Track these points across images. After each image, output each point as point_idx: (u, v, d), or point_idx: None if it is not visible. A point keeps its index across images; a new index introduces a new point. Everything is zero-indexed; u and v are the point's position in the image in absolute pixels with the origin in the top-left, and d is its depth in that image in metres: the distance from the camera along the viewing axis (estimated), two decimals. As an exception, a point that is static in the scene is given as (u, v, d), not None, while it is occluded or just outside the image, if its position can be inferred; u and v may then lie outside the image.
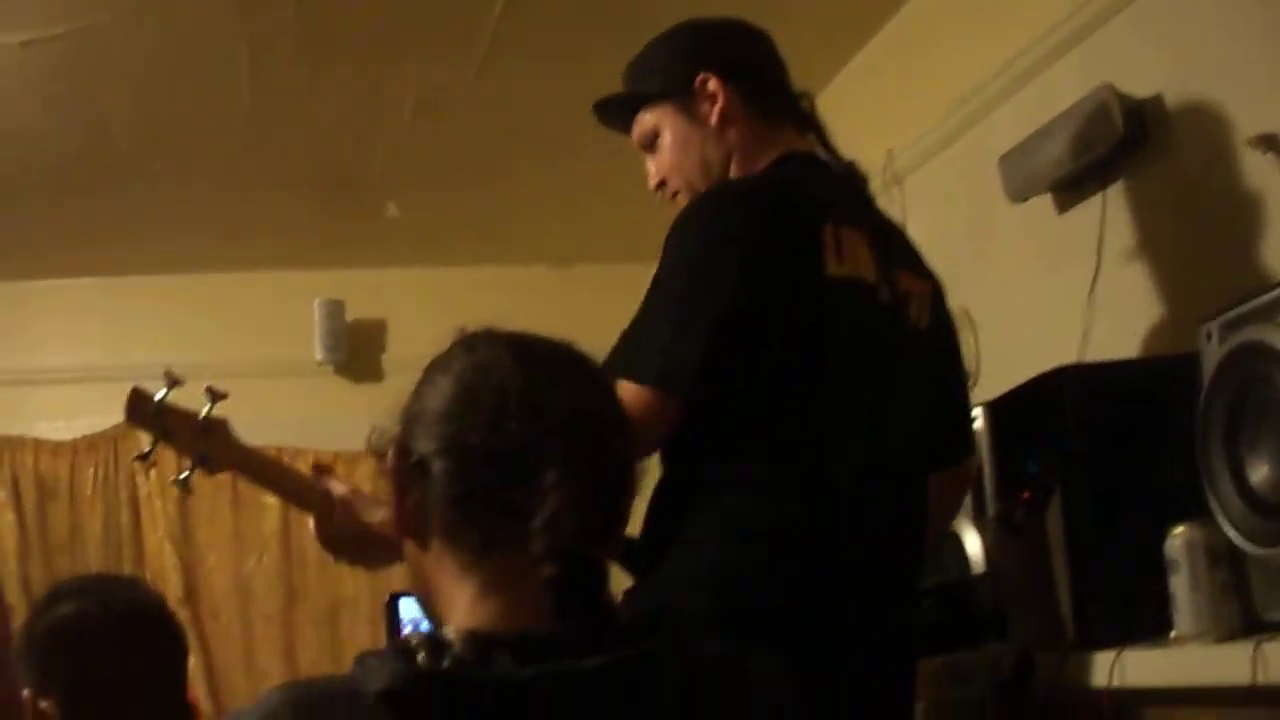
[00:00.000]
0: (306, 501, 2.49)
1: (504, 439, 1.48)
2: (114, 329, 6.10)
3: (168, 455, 2.58)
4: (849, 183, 2.41)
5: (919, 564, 2.37)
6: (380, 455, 1.63)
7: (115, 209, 5.43)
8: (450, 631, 1.42)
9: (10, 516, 6.01)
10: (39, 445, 6.10)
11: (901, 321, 2.32)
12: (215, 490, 5.86)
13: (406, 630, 2.36)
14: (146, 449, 2.57)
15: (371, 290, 6.09)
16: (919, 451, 2.34)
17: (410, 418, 1.56)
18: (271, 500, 5.83)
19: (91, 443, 6.06)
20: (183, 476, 2.59)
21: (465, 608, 1.49)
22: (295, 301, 5.96)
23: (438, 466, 1.50)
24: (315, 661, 5.72)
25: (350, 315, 6.04)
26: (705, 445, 2.19)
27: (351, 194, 5.40)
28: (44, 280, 6.14)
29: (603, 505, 1.51)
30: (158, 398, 2.53)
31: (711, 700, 1.49)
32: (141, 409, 2.54)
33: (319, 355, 5.94)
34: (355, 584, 5.93)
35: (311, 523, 2.47)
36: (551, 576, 1.41)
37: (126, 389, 5.82)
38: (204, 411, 2.54)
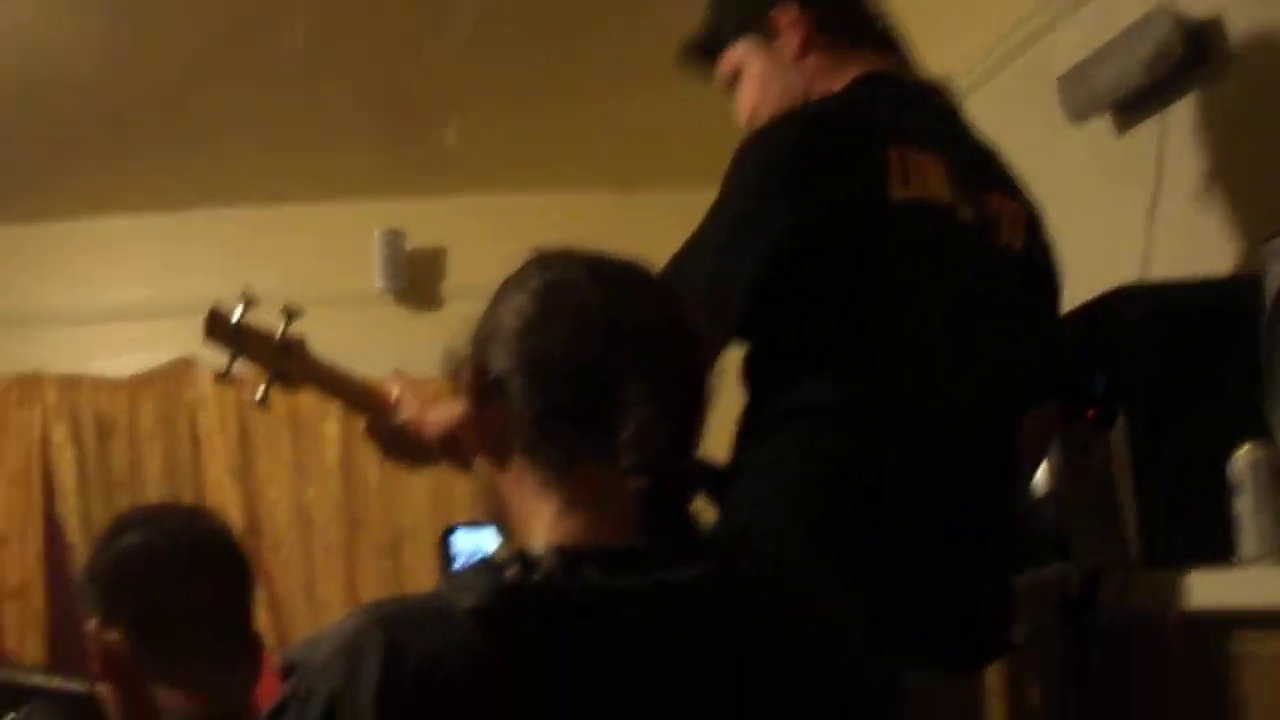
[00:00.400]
0: (384, 416, 2.54)
1: (586, 354, 1.50)
2: (172, 265, 6.11)
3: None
4: (926, 103, 2.39)
5: (1009, 506, 2.35)
6: (454, 375, 1.65)
7: (171, 144, 5.48)
8: (537, 547, 1.44)
9: (69, 454, 6.04)
10: (97, 383, 6.12)
11: (989, 243, 2.30)
12: (275, 423, 6.01)
13: (461, 565, 2.38)
14: (223, 369, 2.70)
15: (431, 219, 6.10)
16: (1011, 383, 2.33)
17: (485, 337, 1.59)
18: (332, 431, 6.02)
19: (150, 379, 6.10)
20: (260, 395, 2.68)
21: (548, 524, 1.50)
22: (355, 231, 6.00)
23: (516, 383, 1.52)
24: (377, 591, 5.68)
25: (410, 244, 6.07)
26: (782, 373, 2.20)
27: (411, 122, 5.44)
28: (102, 218, 6.16)
29: (684, 420, 1.54)
30: (235, 316, 2.63)
31: (782, 618, 1.49)
32: (220, 328, 2.64)
33: (379, 284, 5.97)
34: (416, 513, 5.96)
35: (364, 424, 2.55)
36: (640, 490, 1.45)
37: (185, 325, 5.90)
38: (280, 329, 2.64)
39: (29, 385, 6.09)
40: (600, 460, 1.47)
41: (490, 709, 1.34)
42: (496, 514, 1.61)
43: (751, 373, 2.24)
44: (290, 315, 2.64)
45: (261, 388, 2.67)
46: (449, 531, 2.62)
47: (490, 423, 1.56)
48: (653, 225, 2.35)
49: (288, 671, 1.43)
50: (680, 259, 2.18)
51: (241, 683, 2.14)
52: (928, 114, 2.36)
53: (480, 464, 1.61)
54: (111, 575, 2.15)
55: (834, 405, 2.15)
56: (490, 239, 5.47)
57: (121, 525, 2.23)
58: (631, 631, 1.38)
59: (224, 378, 2.73)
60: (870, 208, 2.18)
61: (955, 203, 2.25)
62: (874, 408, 2.15)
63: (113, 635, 2.10)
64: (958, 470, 2.19)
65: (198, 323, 5.76)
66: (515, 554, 1.42)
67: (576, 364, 1.50)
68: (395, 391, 2.50)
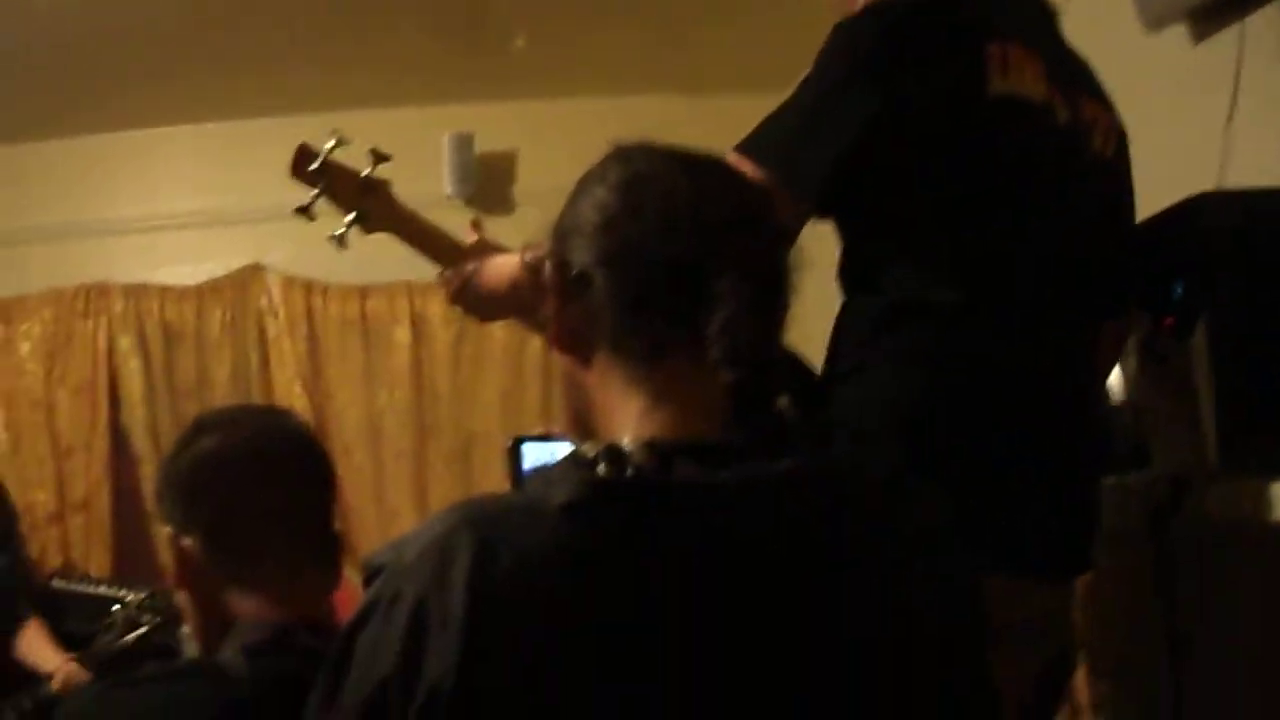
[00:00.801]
0: (457, 264, 2.57)
1: (673, 245, 1.49)
2: (238, 173, 6.08)
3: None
4: (1026, 2, 2.36)
5: (1095, 414, 2.35)
6: (534, 271, 1.65)
7: (237, 52, 5.50)
8: (627, 442, 1.43)
9: (136, 364, 6.09)
10: (164, 292, 6.15)
11: (1083, 147, 2.28)
12: (344, 328, 6.07)
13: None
14: (304, 203, 2.72)
15: (501, 123, 6.08)
16: (1097, 289, 2.30)
17: (565, 231, 1.58)
18: (402, 337, 6.04)
19: (217, 287, 6.13)
20: (339, 232, 2.71)
21: (635, 419, 1.50)
22: (424, 137, 5.86)
23: (600, 277, 1.52)
24: (447, 498, 5.63)
25: (479, 148, 6.05)
26: (878, 273, 2.18)
27: (480, 26, 5.40)
28: (167, 127, 6.18)
29: (770, 312, 1.53)
30: (322, 154, 2.68)
31: (873, 515, 1.49)
32: (306, 164, 2.68)
33: (449, 189, 5.94)
34: (487, 419, 5.98)
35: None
36: (731, 382, 1.45)
37: (252, 232, 5.94)
38: (366, 171, 2.68)
39: (94, 295, 6.13)
40: (688, 353, 1.47)
41: (583, 605, 1.33)
42: (581, 411, 1.60)
43: (847, 273, 2.23)
44: (378, 158, 2.68)
45: (341, 228, 2.71)
46: (519, 441, 2.62)
47: (573, 318, 1.56)
48: (722, 129, 2.32)
49: (374, 574, 1.43)
50: (764, 127, 2.16)
51: (320, 587, 2.11)
52: (1028, 12, 2.33)
53: (564, 361, 1.60)
54: (187, 480, 2.12)
55: (932, 305, 2.13)
56: (560, 143, 5.45)
57: (199, 428, 2.18)
58: (724, 526, 1.37)
59: (303, 212, 2.74)
60: (966, 99, 2.15)
61: (1052, 103, 2.22)
62: (972, 308, 2.12)
63: (189, 541, 2.08)
64: (1052, 375, 2.18)
65: (265, 230, 5.82)
66: (604, 449, 1.42)
67: (662, 255, 1.50)
68: (470, 241, 2.54)
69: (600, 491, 1.37)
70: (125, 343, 6.10)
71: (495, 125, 6.08)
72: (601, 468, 1.40)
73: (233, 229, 6.10)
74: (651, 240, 1.50)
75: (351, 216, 2.67)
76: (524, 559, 1.33)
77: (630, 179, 1.55)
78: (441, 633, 1.32)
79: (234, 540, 2.07)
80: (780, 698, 1.36)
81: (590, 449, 1.43)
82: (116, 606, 4.50)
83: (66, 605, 5.01)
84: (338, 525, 2.20)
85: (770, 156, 2.10)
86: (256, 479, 2.12)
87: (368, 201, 2.67)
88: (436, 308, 5.98)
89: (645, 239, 1.50)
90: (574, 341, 1.57)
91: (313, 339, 6.09)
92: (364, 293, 6.04)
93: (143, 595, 4.53)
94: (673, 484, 1.39)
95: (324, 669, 1.43)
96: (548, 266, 1.59)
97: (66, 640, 4.62)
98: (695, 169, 1.56)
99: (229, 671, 1.91)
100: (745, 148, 2.12)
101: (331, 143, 2.66)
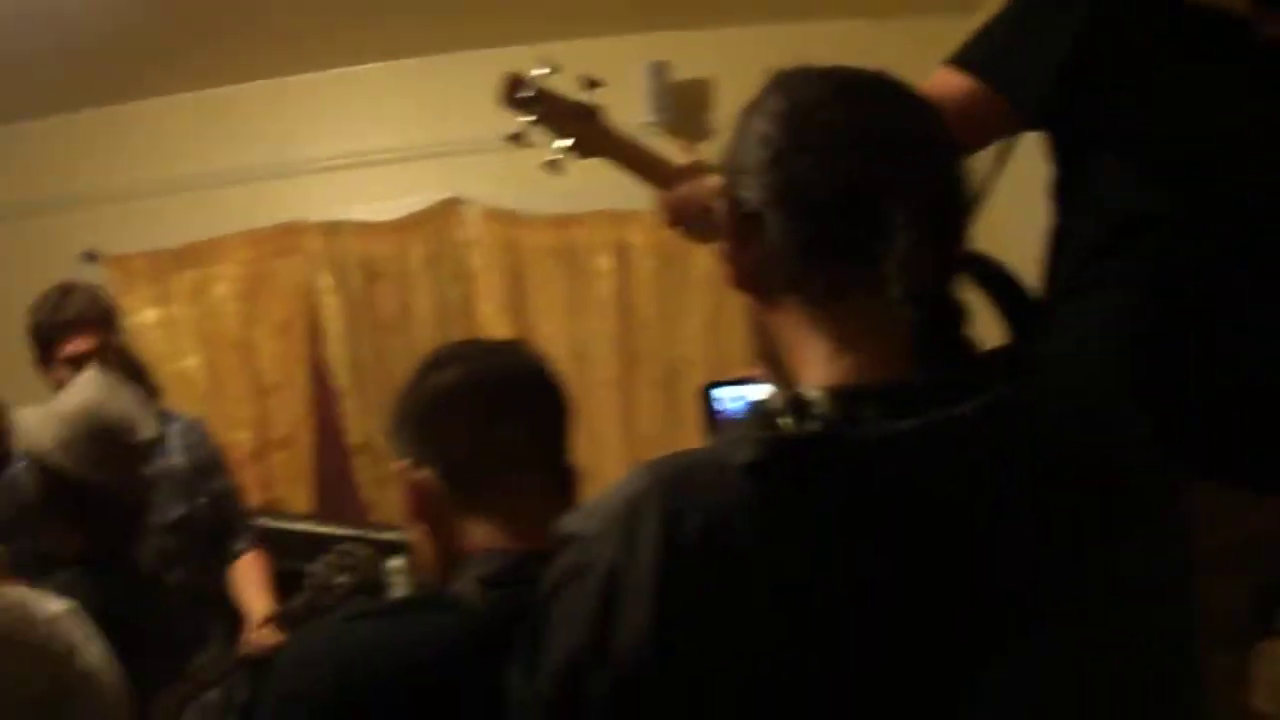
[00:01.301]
0: (671, 186, 2.60)
1: (840, 178, 1.46)
2: (435, 108, 6.17)
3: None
4: None
5: None
6: (709, 210, 1.63)
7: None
8: (811, 390, 1.40)
9: (336, 300, 6.18)
10: (363, 228, 6.22)
11: None
12: (546, 258, 6.11)
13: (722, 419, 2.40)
14: (517, 131, 2.79)
15: (697, 50, 6.05)
16: None
17: (734, 168, 1.55)
18: (606, 265, 6.06)
19: (416, 220, 6.17)
20: (554, 158, 2.77)
21: (821, 363, 1.48)
22: (621, 65, 5.86)
23: (773, 217, 1.49)
24: (653, 426, 5.82)
25: (676, 76, 6.03)
26: (1094, 189, 2.18)
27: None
28: (362, 65, 6.26)
29: (951, 238, 1.49)
30: (533, 82, 2.75)
31: (1076, 447, 1.43)
32: (517, 91, 2.74)
33: (647, 117, 5.88)
34: (693, 346, 5.96)
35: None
36: (912, 319, 1.41)
37: (450, 166, 6.00)
38: (580, 97, 2.75)
39: (292, 234, 6.22)
40: (870, 291, 1.44)
41: (770, 566, 1.33)
42: (769, 354, 1.58)
43: (1062, 190, 2.23)
44: (591, 84, 2.75)
45: (556, 154, 2.77)
46: (709, 387, 2.62)
47: (752, 259, 1.54)
48: (916, 53, 2.32)
49: (564, 542, 1.44)
50: (975, 40, 2.18)
51: (556, 518, 2.16)
52: None
53: (748, 301, 1.59)
54: (425, 413, 2.16)
55: (1157, 220, 2.12)
56: (756, 69, 5.45)
57: (436, 362, 2.23)
58: (908, 478, 1.35)
59: (514, 140, 2.80)
60: (1169, 11, 2.15)
61: (1258, 18, 2.18)
62: (1197, 224, 2.11)
63: (425, 473, 2.12)
64: (1273, 290, 2.15)
65: (463, 164, 5.87)
66: (789, 399, 1.40)
67: (832, 189, 1.46)
68: (683, 163, 2.57)
69: (782, 449, 1.35)
70: (324, 280, 6.19)
71: (691, 53, 6.05)
72: (785, 421, 1.38)
73: (430, 164, 6.16)
74: (819, 175, 1.47)
75: (567, 142, 2.73)
76: (710, 522, 1.33)
77: (791, 109, 1.52)
78: (633, 600, 1.34)
79: (471, 472, 2.10)
80: (972, 653, 1.34)
81: (776, 399, 1.41)
82: (312, 566, 4.56)
83: (272, 543, 5.11)
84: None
85: (984, 66, 2.14)
86: (494, 411, 2.14)
87: (582, 127, 2.73)
88: (639, 236, 6.01)
89: (813, 175, 1.47)
90: (754, 282, 1.55)
91: (515, 270, 6.13)
92: (564, 223, 6.05)
93: (340, 546, 4.58)
94: (854, 438, 1.35)
95: (521, 639, 1.45)
96: (720, 205, 1.57)
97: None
98: (859, 93, 1.53)
99: (465, 603, 1.94)
100: (957, 60, 2.16)
101: (544, 69, 2.73)
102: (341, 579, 4.34)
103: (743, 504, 1.33)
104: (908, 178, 1.45)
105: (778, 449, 1.35)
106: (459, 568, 2.08)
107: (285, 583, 4.63)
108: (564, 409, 2.22)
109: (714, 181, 2.40)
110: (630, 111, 5.77)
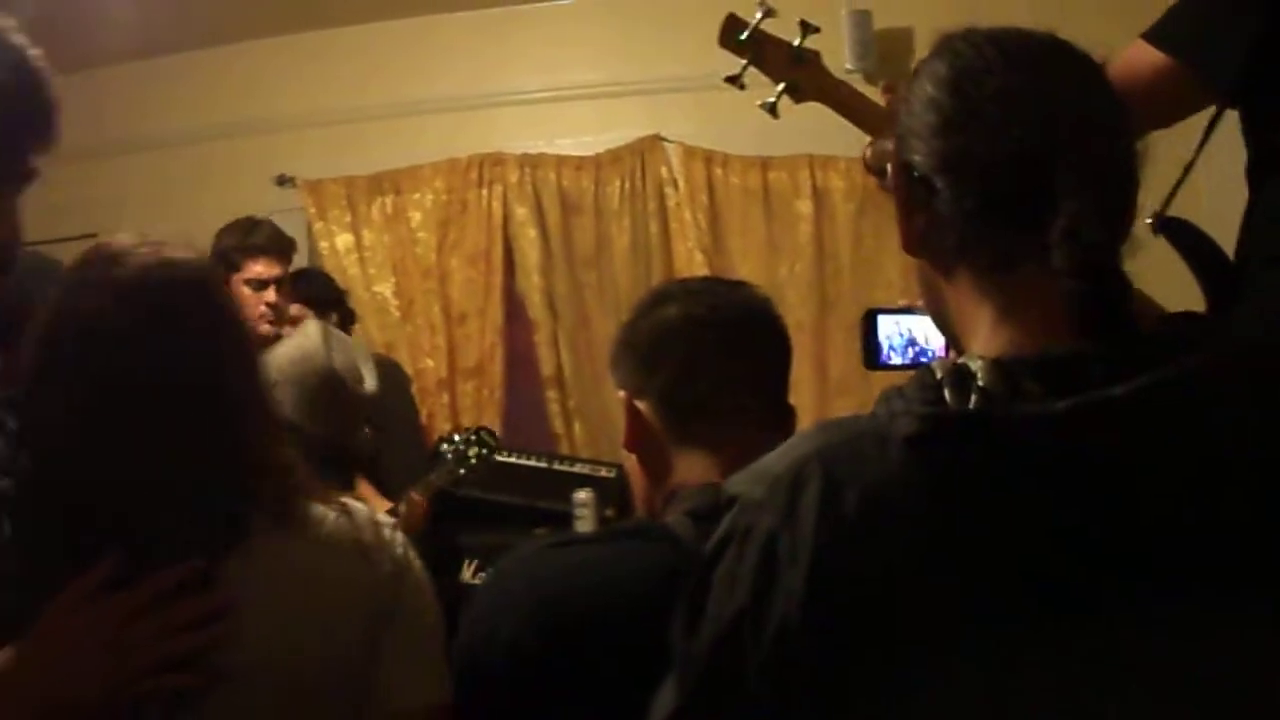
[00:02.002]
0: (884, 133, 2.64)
1: (1008, 146, 1.45)
2: (635, 43, 6.30)
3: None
4: None
5: None
6: (879, 173, 1.64)
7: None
8: (974, 361, 1.42)
9: (533, 233, 6.26)
10: (561, 161, 6.31)
11: None
12: (745, 199, 6.11)
13: (885, 351, 2.42)
14: (735, 73, 2.83)
15: None
16: None
17: (905, 132, 1.56)
18: (805, 208, 6.03)
19: (616, 156, 6.25)
20: (770, 101, 2.83)
21: (986, 331, 1.49)
22: (822, 13, 5.80)
23: (941, 183, 1.50)
24: (846, 370, 5.77)
25: (877, 24, 5.98)
26: None
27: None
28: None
29: (1119, 208, 1.48)
30: (751, 24, 2.82)
31: (1251, 419, 1.40)
32: (735, 33, 2.81)
33: (849, 64, 5.81)
34: (889, 292, 5.83)
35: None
36: (1074, 290, 1.41)
37: (650, 103, 6.03)
38: (797, 41, 2.82)
39: (490, 165, 6.37)
40: (1038, 261, 1.43)
41: (925, 541, 1.34)
42: (939, 317, 1.61)
43: (1257, 164, 2.25)
44: (807, 29, 2.82)
45: (773, 96, 2.82)
46: (873, 314, 2.64)
47: (922, 225, 1.55)
48: (1117, 10, 2.33)
49: (729, 504, 1.47)
50: (1170, 14, 2.22)
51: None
52: None
53: (919, 265, 1.60)
54: (647, 345, 2.22)
55: None
56: (956, 16, 5.41)
57: (660, 297, 2.28)
58: (1067, 455, 1.34)
59: (733, 81, 2.85)
60: None
61: None
62: None
63: (643, 405, 2.19)
64: None
65: (664, 101, 5.89)
66: (951, 369, 1.41)
67: (1001, 157, 1.46)
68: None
69: (941, 425, 1.37)
70: (521, 212, 6.29)
71: (891, 1, 6.00)
72: (947, 393, 1.40)
73: (631, 100, 6.22)
74: (987, 143, 1.47)
75: (782, 86, 2.78)
76: (869, 494, 1.35)
77: (960, 74, 1.52)
78: (790, 567, 1.36)
79: (689, 405, 2.16)
80: (1123, 633, 1.34)
81: (939, 368, 1.42)
82: (445, 444, 4.76)
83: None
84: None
85: (1176, 42, 2.18)
86: (718, 347, 2.18)
87: (798, 72, 2.78)
88: (838, 181, 5.99)
89: (980, 142, 1.48)
90: (924, 247, 1.57)
91: (713, 210, 6.15)
92: (765, 164, 6.04)
93: (469, 432, 4.77)
94: (1011, 415, 1.36)
95: (682, 600, 1.47)
96: (890, 170, 1.59)
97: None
98: (1028, 59, 1.52)
99: (674, 535, 1.98)
100: (1150, 35, 2.20)
101: (760, 13, 2.79)
102: (474, 451, 4.64)
103: (901, 479, 1.35)
104: (1075, 146, 1.45)
105: (937, 425, 1.36)
106: (671, 500, 2.13)
107: (467, 509, 4.88)
108: (786, 350, 2.28)
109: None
110: (831, 60, 5.76)
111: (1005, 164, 1.46)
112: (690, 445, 2.13)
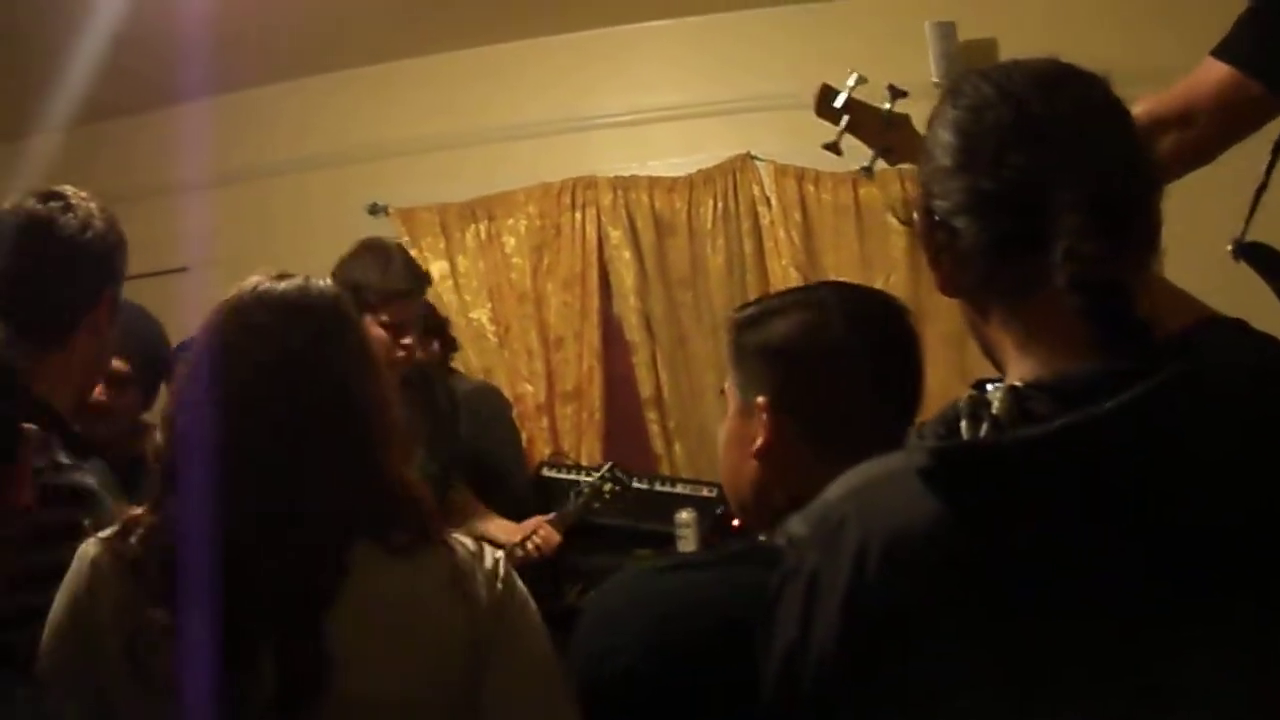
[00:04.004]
0: None
1: (1010, 176, 1.55)
2: (723, 63, 6.51)
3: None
4: None
5: None
6: (909, 223, 1.79)
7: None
8: (993, 390, 1.51)
9: (628, 255, 6.52)
10: (654, 182, 6.55)
11: None
12: (840, 216, 6.32)
13: None
14: (832, 140, 3.11)
15: (982, 9, 6.15)
16: None
17: (926, 179, 1.67)
18: (897, 223, 6.17)
19: (708, 176, 6.46)
20: (866, 165, 3.13)
21: (1013, 359, 1.59)
22: (906, 25, 6.11)
23: (961, 223, 1.59)
24: (943, 383, 5.54)
25: (962, 35, 6.11)
26: None
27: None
28: (651, 21, 6.63)
29: (1123, 221, 1.53)
30: (844, 93, 3.08)
31: (1245, 419, 1.49)
32: (829, 102, 3.09)
33: (934, 77, 5.95)
34: None
35: None
36: (1085, 308, 1.47)
37: (740, 122, 6.20)
38: (887, 106, 3.07)
39: (583, 188, 6.63)
40: (1052, 283, 1.49)
41: (946, 569, 1.44)
42: (990, 357, 1.68)
43: None
44: (896, 94, 3.05)
45: (867, 161, 3.10)
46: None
47: (949, 265, 1.64)
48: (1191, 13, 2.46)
49: (790, 544, 1.58)
50: (1231, 34, 2.38)
51: None
52: None
53: (963, 309, 1.69)
54: (772, 349, 2.22)
55: None
56: (1040, 28, 5.67)
57: (797, 302, 2.29)
58: (1085, 469, 1.42)
59: (831, 148, 3.14)
60: None
61: None
62: None
63: (764, 412, 2.18)
64: None
65: (753, 120, 6.05)
66: (967, 401, 1.50)
67: (1003, 188, 1.55)
68: None
69: (946, 457, 1.46)
70: (616, 234, 6.54)
71: (976, 12, 6.15)
72: (963, 425, 1.48)
73: (721, 120, 6.43)
74: (992, 174, 1.56)
75: (877, 151, 3.05)
76: (893, 528, 1.46)
77: (964, 115, 1.62)
78: (828, 601, 1.48)
79: (822, 419, 2.17)
80: (1151, 635, 1.42)
81: (964, 400, 1.50)
82: (585, 477, 5.12)
83: (554, 492, 5.51)
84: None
85: (1241, 54, 2.34)
86: (842, 351, 2.20)
87: (891, 136, 3.01)
88: None
89: (986, 175, 1.56)
90: (957, 288, 1.66)
91: (806, 227, 6.32)
92: (856, 180, 6.12)
93: (605, 468, 5.09)
94: (1012, 441, 1.45)
95: (759, 634, 1.59)
96: (916, 217, 1.69)
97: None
98: (1024, 89, 1.60)
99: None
100: (1216, 50, 2.36)
101: (852, 81, 3.05)
102: (608, 487, 4.99)
103: (920, 511, 1.44)
104: (1071, 166, 1.53)
105: (942, 457, 1.46)
106: (785, 515, 2.06)
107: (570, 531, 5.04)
108: (920, 369, 2.26)
109: None
110: (916, 72, 5.87)
111: (1008, 194, 1.55)
112: (831, 459, 1.93)
